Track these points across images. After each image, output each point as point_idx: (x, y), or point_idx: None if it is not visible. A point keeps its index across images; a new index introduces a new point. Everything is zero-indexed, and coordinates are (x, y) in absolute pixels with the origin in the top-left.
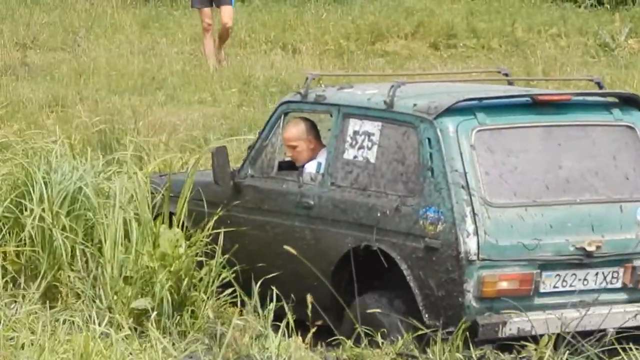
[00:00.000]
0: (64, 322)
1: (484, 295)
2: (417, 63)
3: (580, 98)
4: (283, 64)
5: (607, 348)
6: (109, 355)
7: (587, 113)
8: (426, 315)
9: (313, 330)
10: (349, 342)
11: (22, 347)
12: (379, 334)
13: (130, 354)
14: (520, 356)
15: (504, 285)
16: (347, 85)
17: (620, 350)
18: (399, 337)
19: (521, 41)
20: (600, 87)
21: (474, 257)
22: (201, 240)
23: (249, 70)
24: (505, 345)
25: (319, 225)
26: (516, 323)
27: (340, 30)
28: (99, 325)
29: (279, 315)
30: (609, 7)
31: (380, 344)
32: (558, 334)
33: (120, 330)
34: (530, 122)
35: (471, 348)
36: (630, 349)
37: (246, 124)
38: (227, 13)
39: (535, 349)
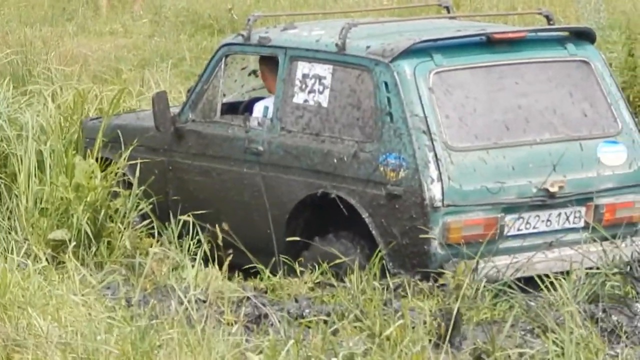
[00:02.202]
0: None
1: (449, 241)
2: None
3: (535, 34)
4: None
5: (523, 276)
6: (27, 287)
7: (542, 49)
8: (390, 264)
9: (229, 259)
10: (267, 271)
11: None
12: (296, 263)
13: (48, 284)
14: (437, 284)
15: (469, 230)
16: (291, 25)
17: (536, 278)
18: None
19: None
20: (549, 20)
21: (439, 204)
22: (116, 171)
23: (160, 0)
24: (424, 273)
25: (269, 171)
26: (486, 268)
27: None
28: (16, 257)
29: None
30: None
31: (299, 274)
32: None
33: (38, 261)
34: (486, 62)
35: (388, 277)
36: (547, 277)
37: (158, 54)
38: None
39: (453, 277)
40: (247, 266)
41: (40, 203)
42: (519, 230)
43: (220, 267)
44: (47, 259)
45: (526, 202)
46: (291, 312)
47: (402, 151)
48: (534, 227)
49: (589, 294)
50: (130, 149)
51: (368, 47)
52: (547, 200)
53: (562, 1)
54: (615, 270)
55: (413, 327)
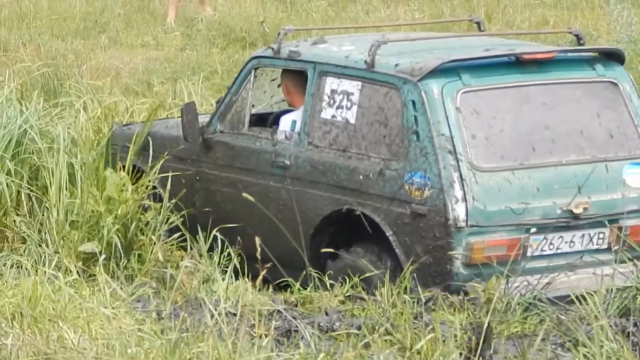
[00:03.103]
0: (11, 267)
1: (472, 261)
2: (360, 5)
3: (564, 55)
4: (226, 7)
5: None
6: (58, 300)
7: (570, 70)
8: (413, 282)
9: (263, 272)
10: (297, 285)
11: None
12: (326, 276)
13: (79, 297)
14: (467, 297)
15: (492, 251)
16: (321, 39)
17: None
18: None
19: None
20: (579, 39)
21: (463, 224)
22: (147, 184)
23: (191, 13)
24: (454, 287)
25: (296, 186)
26: (505, 289)
27: None
28: (47, 269)
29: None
30: None
31: (328, 287)
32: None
33: (68, 274)
34: (514, 82)
35: (419, 290)
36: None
37: (189, 67)
38: None
39: (484, 290)
40: (277, 281)
41: (71, 216)
42: (542, 251)
43: (252, 280)
44: (77, 272)
45: (550, 224)
46: (322, 325)
47: (427, 170)
48: (557, 248)
49: (620, 307)
50: (161, 162)
51: (397, 65)
52: (571, 222)
53: (594, 15)
54: None
55: (444, 341)
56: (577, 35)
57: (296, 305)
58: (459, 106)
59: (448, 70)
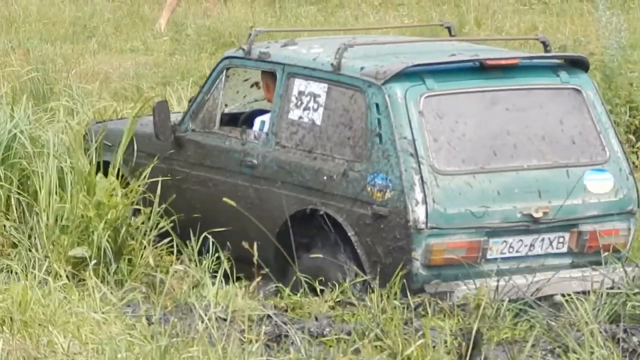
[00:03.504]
0: (1, 271)
1: (432, 263)
2: (349, 11)
3: (528, 61)
4: (214, 12)
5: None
6: (48, 304)
7: (534, 76)
8: (373, 282)
9: (258, 279)
10: (287, 290)
11: None
12: (317, 282)
13: (69, 302)
14: (458, 303)
15: (451, 253)
16: (291, 41)
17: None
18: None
19: None
20: (546, 46)
21: (423, 226)
22: (137, 189)
23: (181, 18)
24: (443, 293)
25: (262, 185)
26: (463, 290)
27: None
28: (37, 274)
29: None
30: None
31: (319, 292)
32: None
33: (58, 279)
34: (478, 87)
35: (408, 296)
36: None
37: (179, 72)
38: None
39: (473, 296)
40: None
41: (61, 220)
42: (501, 253)
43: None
44: (67, 277)
45: (509, 227)
46: (312, 330)
47: (389, 172)
48: (517, 251)
49: (610, 313)
50: (149, 170)
51: (362, 68)
52: (530, 226)
53: (582, 21)
54: (637, 290)
55: (434, 347)
56: (543, 42)
57: (286, 311)
58: (422, 110)
59: (412, 74)
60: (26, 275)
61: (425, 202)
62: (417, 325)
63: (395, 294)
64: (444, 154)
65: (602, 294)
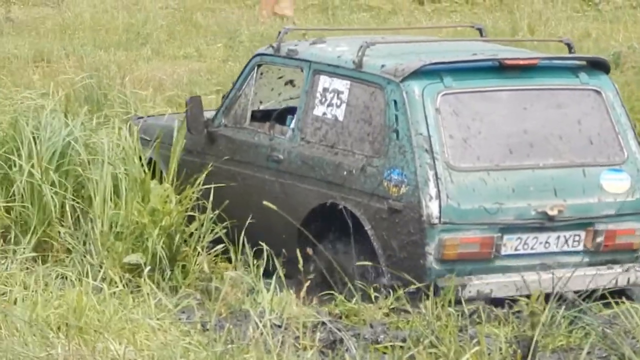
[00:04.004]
0: (56, 278)
1: (445, 257)
2: (402, 17)
3: (548, 62)
4: (268, 19)
5: (598, 302)
6: (103, 311)
7: (553, 77)
8: (388, 275)
9: (307, 284)
10: (341, 297)
11: (15, 302)
12: (371, 288)
13: (124, 308)
14: (512, 311)
15: (465, 248)
16: (320, 40)
17: (613, 304)
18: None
19: None
20: (570, 48)
21: (436, 221)
22: (191, 196)
23: (234, 25)
24: (497, 300)
25: (287, 179)
26: (476, 286)
27: None
28: (92, 280)
29: (266, 269)
30: None
31: (373, 299)
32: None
33: (113, 285)
34: (496, 86)
35: (463, 303)
36: (623, 302)
37: (232, 79)
38: None
39: (527, 304)
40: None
41: (116, 227)
42: (516, 250)
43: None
44: (122, 283)
45: (524, 224)
46: (366, 337)
47: (404, 168)
48: (532, 248)
49: None
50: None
51: (383, 65)
52: (545, 223)
53: (636, 28)
54: None
55: (489, 354)
56: (568, 44)
57: (340, 317)
58: (439, 107)
59: (430, 72)
60: (81, 282)
61: (439, 197)
62: (472, 333)
63: (450, 301)
64: (459, 151)
65: None
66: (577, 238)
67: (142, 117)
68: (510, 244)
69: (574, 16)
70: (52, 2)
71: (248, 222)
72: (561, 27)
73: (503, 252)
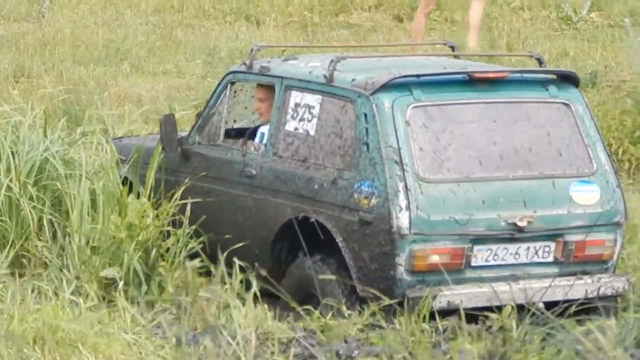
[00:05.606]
0: (32, 292)
1: (415, 268)
2: (381, 35)
3: (517, 75)
4: (247, 35)
5: (569, 319)
6: (78, 325)
7: (523, 90)
8: (359, 287)
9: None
10: (317, 312)
11: None
12: (343, 304)
13: (99, 322)
14: (485, 326)
15: (435, 259)
16: (292, 56)
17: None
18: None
19: (484, 14)
20: (541, 63)
21: (406, 232)
22: (168, 211)
23: (214, 41)
24: (470, 315)
25: (260, 194)
26: (446, 296)
27: (304, 1)
28: (68, 294)
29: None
30: None
31: (347, 315)
32: (522, 305)
33: (89, 300)
34: (466, 99)
35: (437, 319)
36: (590, 320)
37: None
38: None
39: (498, 319)
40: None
41: (93, 241)
42: (486, 261)
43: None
44: (98, 297)
45: (493, 235)
46: (340, 353)
47: (375, 180)
48: (502, 259)
49: (637, 338)
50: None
51: (353, 79)
52: (515, 234)
53: (614, 47)
54: None
55: None
56: (538, 59)
57: (315, 333)
58: (409, 120)
59: (400, 85)
60: (57, 296)
61: (409, 208)
62: (445, 349)
63: (424, 317)
64: (429, 163)
65: (629, 319)
66: (547, 249)
67: (119, 138)
68: (481, 255)
69: (552, 35)
70: (32, 17)
71: (224, 237)
72: (539, 45)
73: (473, 263)
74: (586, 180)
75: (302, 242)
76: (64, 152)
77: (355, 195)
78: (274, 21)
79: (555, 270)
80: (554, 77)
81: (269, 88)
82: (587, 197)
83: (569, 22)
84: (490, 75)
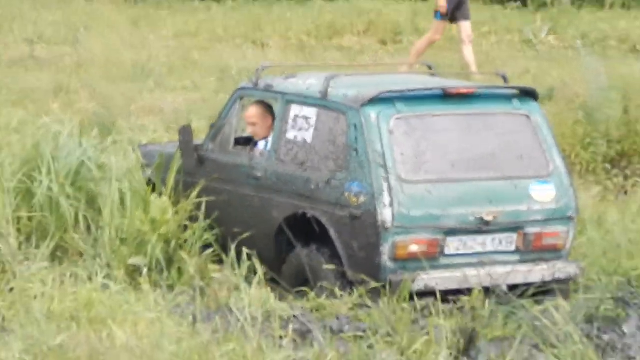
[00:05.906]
0: (70, 277)
1: (397, 257)
2: (368, 56)
3: (485, 90)
4: (254, 56)
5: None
6: (109, 305)
7: (490, 103)
8: (349, 272)
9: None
10: (312, 294)
11: (35, 297)
12: (336, 287)
13: (127, 303)
14: (457, 305)
15: (414, 248)
16: (292, 75)
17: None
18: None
19: (458, 38)
20: (505, 80)
21: (389, 225)
22: (186, 208)
23: (225, 61)
24: (444, 297)
25: (265, 194)
26: (424, 280)
27: (302, 27)
28: (100, 279)
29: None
30: (531, 8)
31: (339, 296)
32: (488, 288)
33: (118, 283)
34: (441, 111)
35: (415, 299)
36: (546, 300)
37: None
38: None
39: (468, 299)
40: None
41: (121, 234)
42: (457, 250)
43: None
44: (126, 282)
45: (464, 228)
46: (333, 328)
47: (363, 180)
48: (471, 248)
49: (586, 315)
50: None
51: (345, 95)
52: (482, 227)
53: (570, 66)
54: (609, 295)
55: (437, 342)
56: (502, 77)
57: (311, 312)
58: (392, 129)
59: (385, 99)
60: (91, 280)
61: (392, 205)
62: (423, 325)
63: (405, 298)
64: (409, 166)
65: (579, 298)
66: (509, 240)
67: (145, 145)
68: (453, 244)
69: (516, 55)
70: (69, 42)
71: (234, 230)
72: (505, 65)
73: (447, 251)
74: (543, 181)
75: (291, 238)
76: (97, 158)
77: (346, 194)
78: (277, 44)
79: (516, 257)
80: (517, 92)
81: (263, 110)
82: (544, 195)
83: (529, 44)
84: (462, 90)
